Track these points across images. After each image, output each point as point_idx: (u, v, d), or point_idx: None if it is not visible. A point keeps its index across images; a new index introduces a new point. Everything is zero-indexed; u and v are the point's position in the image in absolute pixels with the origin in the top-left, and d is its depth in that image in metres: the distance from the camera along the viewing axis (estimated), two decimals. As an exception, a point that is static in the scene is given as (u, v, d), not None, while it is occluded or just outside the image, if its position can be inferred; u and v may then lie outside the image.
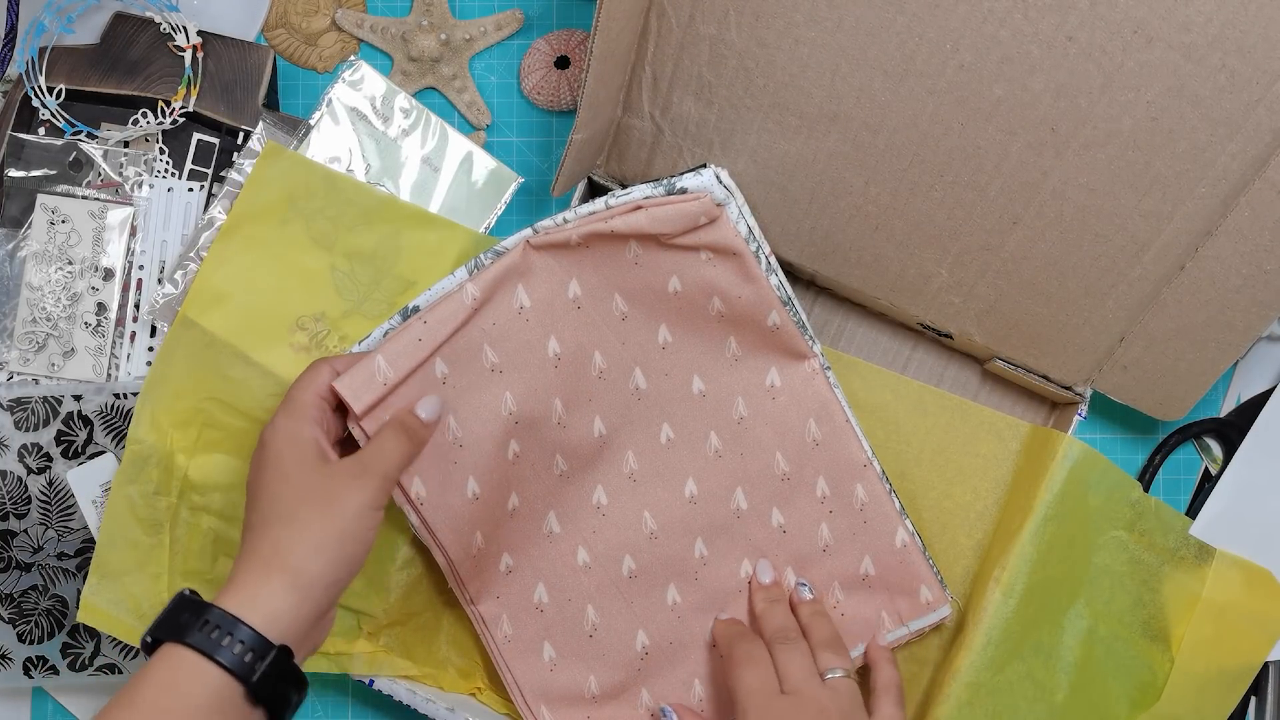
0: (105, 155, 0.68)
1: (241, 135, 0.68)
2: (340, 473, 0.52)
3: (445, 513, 0.59)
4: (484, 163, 0.70)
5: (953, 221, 0.62)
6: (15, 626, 0.66)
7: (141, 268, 0.68)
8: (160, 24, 0.68)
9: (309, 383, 0.55)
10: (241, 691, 0.47)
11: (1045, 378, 0.66)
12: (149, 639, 0.48)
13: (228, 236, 0.64)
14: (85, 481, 0.65)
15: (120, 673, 0.67)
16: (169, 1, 0.68)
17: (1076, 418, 0.65)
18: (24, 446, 0.65)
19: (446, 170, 0.69)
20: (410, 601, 0.65)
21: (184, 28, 0.68)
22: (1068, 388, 0.66)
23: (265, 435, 0.53)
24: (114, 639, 0.67)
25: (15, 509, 0.65)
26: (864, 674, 0.65)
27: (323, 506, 0.51)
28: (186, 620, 0.48)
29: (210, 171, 0.69)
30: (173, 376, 0.63)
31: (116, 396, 0.66)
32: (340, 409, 0.56)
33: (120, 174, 0.68)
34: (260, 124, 0.67)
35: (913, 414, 0.68)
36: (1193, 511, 0.68)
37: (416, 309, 0.58)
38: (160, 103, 0.68)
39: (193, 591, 0.50)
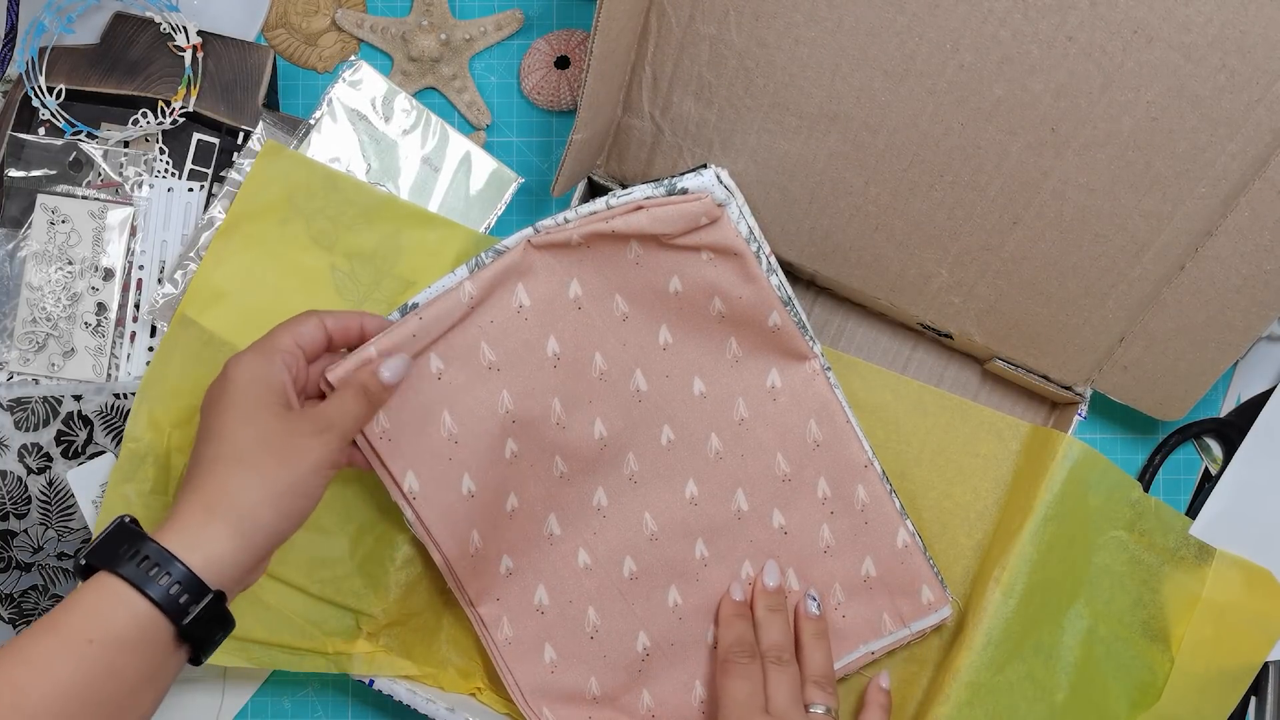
0: (105, 155, 0.68)
1: (241, 135, 0.68)
2: (302, 425, 0.51)
3: (440, 509, 0.59)
4: (484, 163, 0.70)
5: (953, 221, 0.62)
6: (15, 626, 0.66)
7: (141, 268, 0.68)
8: (160, 24, 0.68)
9: (292, 327, 0.54)
10: (171, 631, 0.47)
11: (1045, 378, 0.66)
12: (83, 562, 0.48)
13: (227, 235, 0.64)
14: (85, 481, 0.65)
15: (120, 673, 0.67)
16: (169, 1, 0.68)
17: (1076, 418, 0.65)
18: (24, 446, 0.65)
19: (447, 170, 0.69)
20: (410, 601, 0.65)
21: (184, 28, 0.68)
22: (1068, 388, 0.66)
23: (231, 368, 0.52)
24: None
25: (15, 509, 0.65)
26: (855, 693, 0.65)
27: (281, 457, 0.50)
28: (124, 551, 0.47)
29: (210, 171, 0.69)
30: (171, 375, 0.63)
31: (116, 396, 0.66)
32: (314, 362, 0.56)
33: (120, 174, 0.68)
34: (260, 124, 0.67)
35: (913, 414, 0.68)
36: (1193, 511, 0.68)
37: (415, 305, 0.58)
38: (160, 103, 0.68)
39: (133, 520, 0.49)
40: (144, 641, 0.46)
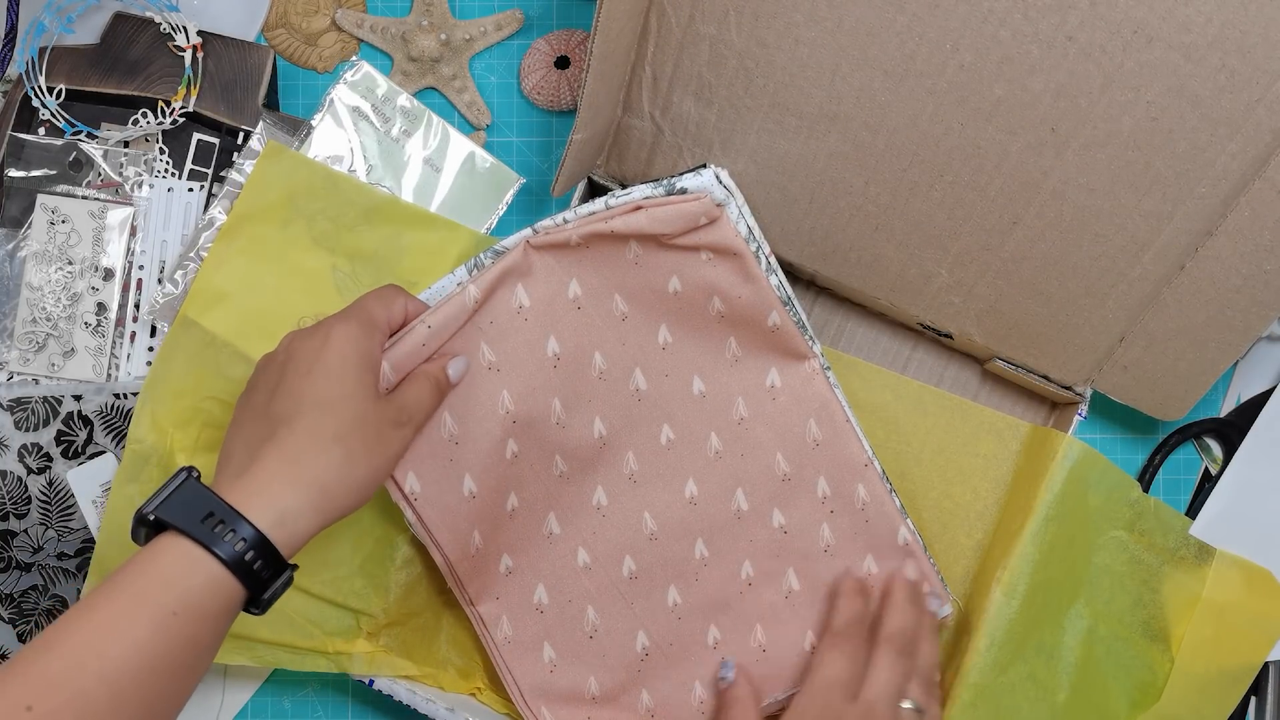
0: (105, 155, 0.68)
1: (241, 135, 0.68)
2: (389, 414, 0.51)
3: (441, 510, 0.60)
4: (485, 163, 0.70)
5: (953, 221, 0.62)
6: (15, 626, 0.66)
7: (141, 268, 0.68)
8: (160, 24, 0.68)
9: (386, 302, 0.53)
10: (244, 597, 0.46)
11: (1045, 378, 0.66)
12: (151, 517, 0.46)
13: (229, 236, 0.64)
14: (85, 481, 0.65)
15: (120, 673, 0.67)
16: (169, 1, 0.68)
17: (1076, 418, 0.65)
18: (24, 446, 0.65)
19: (448, 171, 0.69)
20: (410, 601, 0.65)
21: (184, 28, 0.68)
22: (1068, 388, 0.66)
23: (335, 335, 0.50)
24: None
25: (15, 509, 0.65)
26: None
27: (371, 444, 0.49)
28: (197, 513, 0.46)
29: (210, 171, 0.69)
30: (173, 376, 0.63)
31: (116, 396, 0.66)
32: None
33: (120, 174, 0.68)
34: (260, 124, 0.67)
35: (913, 414, 0.68)
36: (1193, 511, 0.68)
37: (417, 308, 0.58)
38: (160, 103, 0.68)
39: (198, 475, 0.48)
40: (222, 611, 0.46)
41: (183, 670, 0.45)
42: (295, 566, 0.48)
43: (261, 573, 0.46)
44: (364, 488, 0.50)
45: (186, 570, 0.45)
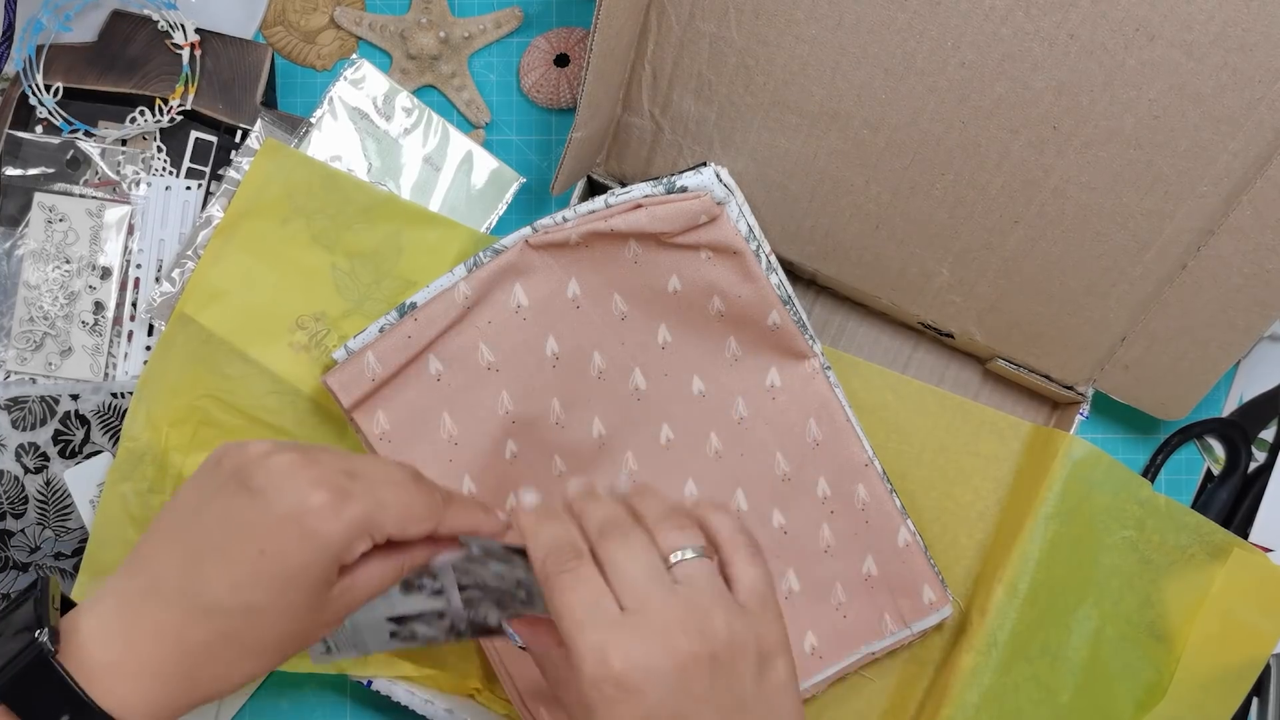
0: (103, 153, 0.68)
1: (240, 133, 0.68)
2: (325, 620, 0.43)
3: (443, 512, 0.59)
4: (485, 162, 0.70)
5: (954, 220, 0.62)
6: (12, 627, 0.66)
7: (139, 266, 0.68)
8: (158, 22, 0.67)
9: (404, 508, 0.44)
10: None
11: (1047, 377, 0.66)
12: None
13: (226, 233, 0.64)
14: (82, 481, 0.65)
15: (117, 673, 0.67)
16: (167, -1, 0.68)
17: (1078, 417, 0.65)
18: (21, 446, 0.65)
19: (448, 169, 0.69)
20: (409, 602, 0.64)
21: (182, 25, 0.67)
22: (1069, 387, 0.66)
23: (323, 531, 0.41)
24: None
25: (12, 509, 0.65)
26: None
27: (297, 645, 0.43)
28: (43, 696, 0.38)
29: (208, 170, 0.69)
30: (169, 373, 0.63)
31: (114, 396, 0.65)
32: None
33: (118, 172, 0.68)
34: (258, 122, 0.67)
35: (914, 414, 0.68)
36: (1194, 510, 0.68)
37: (414, 305, 0.58)
38: (158, 101, 0.68)
39: (51, 646, 0.39)
40: None
41: None
42: None
43: None
44: (252, 682, 0.45)
45: None
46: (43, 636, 0.39)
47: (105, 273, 0.68)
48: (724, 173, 0.58)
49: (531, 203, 0.71)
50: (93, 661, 0.40)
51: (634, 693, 0.40)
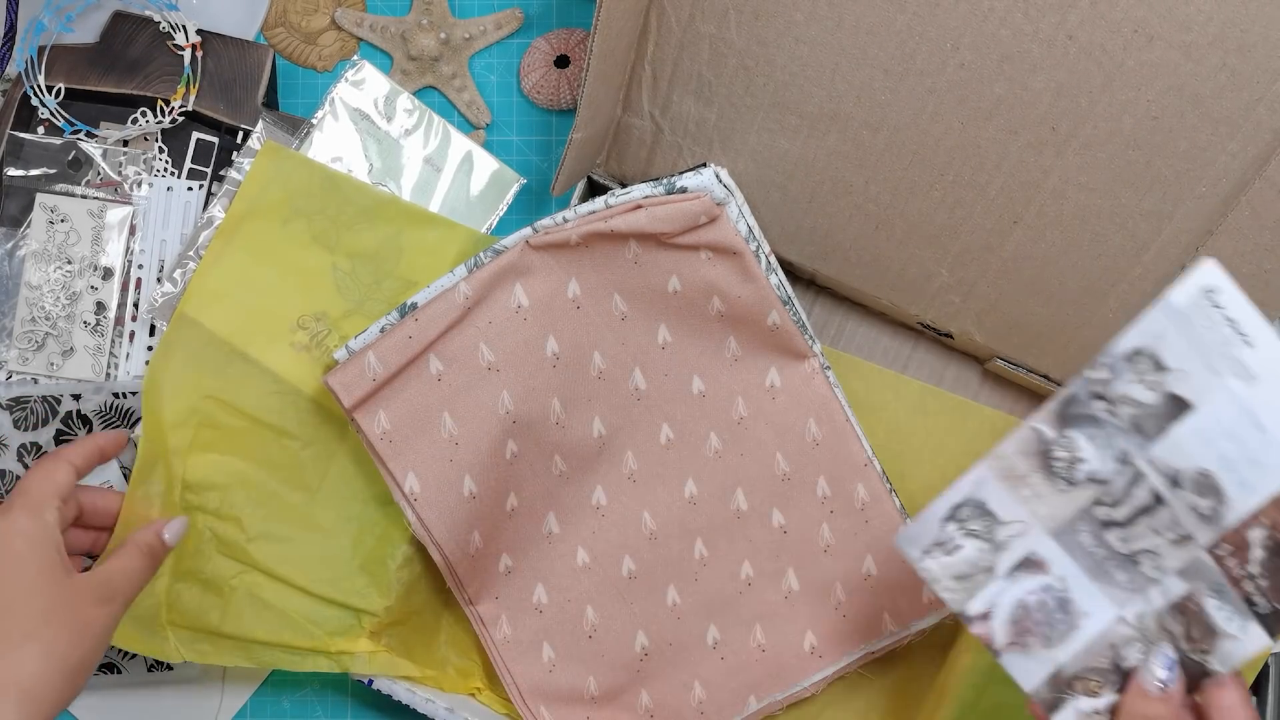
0: (104, 154, 0.68)
1: (241, 134, 0.68)
2: (85, 593, 0.49)
3: (441, 511, 0.59)
4: (486, 163, 0.70)
5: (953, 221, 0.62)
6: (14, 626, 0.66)
7: (141, 267, 0.68)
8: (160, 23, 0.68)
9: (49, 477, 0.51)
10: None
11: (1046, 377, 0.66)
12: None
13: (226, 234, 0.64)
14: (83, 481, 0.65)
15: (119, 672, 0.67)
16: (168, 0, 0.68)
17: (1077, 417, 0.65)
18: (23, 446, 0.65)
19: (448, 170, 0.69)
20: (410, 600, 0.65)
21: (183, 26, 0.68)
22: (1068, 387, 0.66)
23: (2, 532, 0.49)
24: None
25: (14, 508, 0.65)
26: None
27: (70, 630, 0.47)
28: None
29: (210, 170, 0.69)
30: (170, 374, 0.63)
31: (115, 396, 0.66)
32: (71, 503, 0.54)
33: (119, 173, 0.68)
34: (260, 123, 0.67)
35: (913, 414, 0.68)
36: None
37: (415, 305, 0.58)
38: (159, 101, 0.68)
39: None
40: None
41: None
42: None
43: None
44: (76, 676, 0.47)
45: None
46: None
47: (107, 273, 0.68)
48: (724, 173, 0.59)
49: (532, 203, 0.71)
50: None
51: None
